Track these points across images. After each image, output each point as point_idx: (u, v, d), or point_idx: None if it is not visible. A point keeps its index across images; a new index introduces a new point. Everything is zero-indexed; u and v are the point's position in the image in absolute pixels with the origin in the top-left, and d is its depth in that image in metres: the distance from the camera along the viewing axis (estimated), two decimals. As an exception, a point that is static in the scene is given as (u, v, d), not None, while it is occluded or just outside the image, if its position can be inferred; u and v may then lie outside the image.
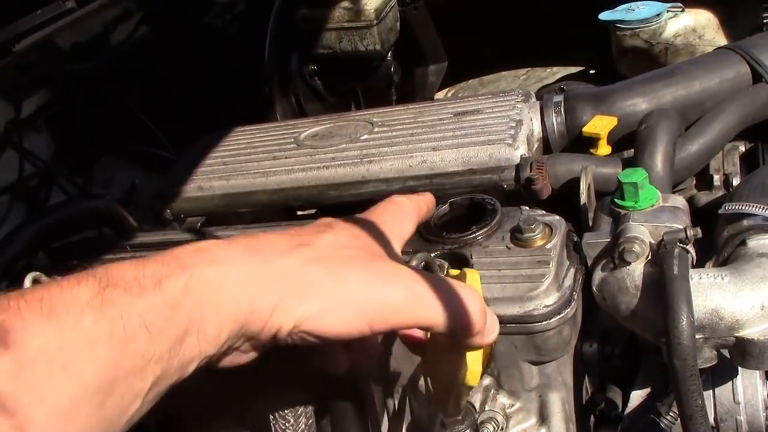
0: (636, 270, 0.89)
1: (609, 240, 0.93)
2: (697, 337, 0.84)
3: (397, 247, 0.70)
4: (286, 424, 0.89)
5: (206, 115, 1.74)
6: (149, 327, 0.50)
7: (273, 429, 0.91)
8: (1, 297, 0.49)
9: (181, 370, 0.53)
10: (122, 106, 1.93)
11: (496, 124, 1.23)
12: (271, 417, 0.90)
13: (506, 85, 2.15)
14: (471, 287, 0.67)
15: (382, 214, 0.72)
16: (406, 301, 0.61)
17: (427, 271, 0.93)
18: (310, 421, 0.91)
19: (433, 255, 0.96)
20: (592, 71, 1.99)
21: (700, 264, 1.00)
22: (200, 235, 1.26)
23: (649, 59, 1.63)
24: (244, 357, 0.59)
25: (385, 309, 0.60)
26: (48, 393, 0.46)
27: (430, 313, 0.61)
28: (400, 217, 0.73)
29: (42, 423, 0.45)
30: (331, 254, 0.61)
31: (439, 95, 2.23)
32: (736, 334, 0.83)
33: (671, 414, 0.91)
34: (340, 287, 0.58)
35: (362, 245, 0.64)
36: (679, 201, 0.96)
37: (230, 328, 0.54)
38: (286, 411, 0.90)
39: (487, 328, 0.65)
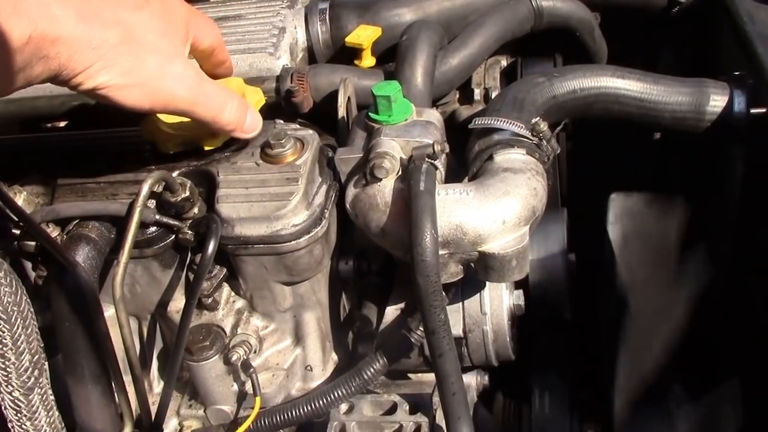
0: (386, 186, 0.87)
1: (362, 155, 0.90)
2: (441, 252, 0.83)
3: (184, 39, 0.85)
4: (7, 363, 0.81)
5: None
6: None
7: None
8: None
9: (4, 92, 0.70)
10: None
11: (258, 31, 1.15)
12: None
13: (286, -8, 2.04)
14: (241, 97, 0.89)
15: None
16: (185, 98, 0.81)
17: (167, 191, 0.86)
18: (36, 357, 0.83)
19: (176, 173, 0.89)
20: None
21: (459, 179, 1.00)
22: None
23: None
24: None
25: (168, 99, 0.80)
26: None
27: (202, 112, 0.83)
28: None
29: None
30: (141, 38, 0.77)
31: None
32: (479, 249, 0.84)
33: (420, 329, 0.91)
34: (138, 71, 0.77)
35: (168, 32, 0.81)
36: (433, 115, 0.94)
37: (49, 75, 0.72)
38: (5, 349, 0.81)
39: (245, 127, 0.88)
